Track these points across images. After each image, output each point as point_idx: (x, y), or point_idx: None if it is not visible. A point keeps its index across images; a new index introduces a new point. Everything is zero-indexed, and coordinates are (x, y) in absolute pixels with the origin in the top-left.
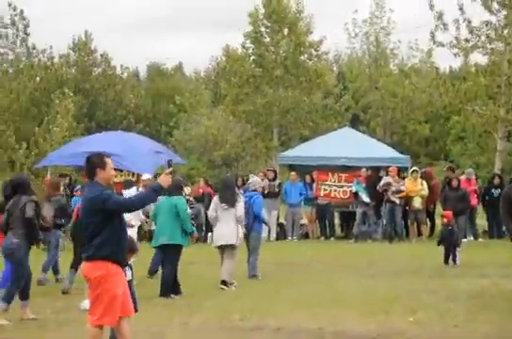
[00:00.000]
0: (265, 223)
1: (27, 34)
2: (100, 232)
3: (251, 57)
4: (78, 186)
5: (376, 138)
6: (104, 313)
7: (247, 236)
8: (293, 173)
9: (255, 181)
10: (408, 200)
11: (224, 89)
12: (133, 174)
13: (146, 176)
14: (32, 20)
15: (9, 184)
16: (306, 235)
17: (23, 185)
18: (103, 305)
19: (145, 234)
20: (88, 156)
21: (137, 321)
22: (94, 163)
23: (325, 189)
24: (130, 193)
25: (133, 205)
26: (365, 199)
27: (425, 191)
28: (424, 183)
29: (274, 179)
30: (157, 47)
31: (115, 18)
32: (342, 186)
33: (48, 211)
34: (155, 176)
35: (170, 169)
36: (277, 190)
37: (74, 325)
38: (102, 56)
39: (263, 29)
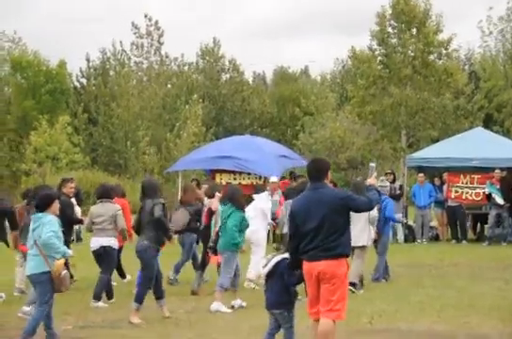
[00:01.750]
0: (401, 223)
1: (161, 43)
2: (343, 230)
3: (378, 58)
4: None
5: (511, 139)
6: (344, 308)
7: (376, 240)
8: (420, 175)
9: (385, 184)
10: None
11: (350, 91)
12: (260, 177)
13: (273, 179)
14: (166, 29)
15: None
16: (436, 238)
17: (150, 189)
18: (345, 301)
19: (277, 237)
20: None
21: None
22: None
23: (456, 191)
24: (261, 197)
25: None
26: (499, 200)
27: None
28: None
29: (393, 181)
30: (283, 52)
31: (241, 24)
32: (474, 188)
33: (182, 215)
34: (281, 179)
35: (374, 173)
36: (398, 192)
37: (204, 325)
38: (230, 62)
39: (390, 30)
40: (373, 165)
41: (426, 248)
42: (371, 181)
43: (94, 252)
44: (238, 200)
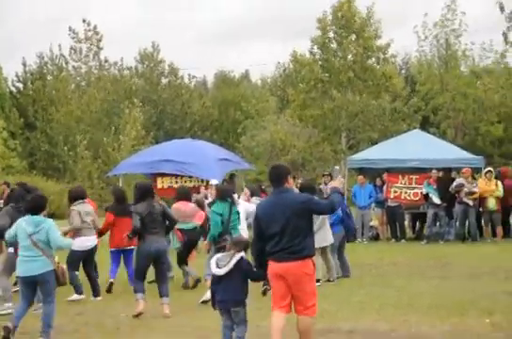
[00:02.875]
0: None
1: (100, 48)
2: (307, 232)
3: (319, 62)
4: None
5: (446, 140)
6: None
7: None
8: (360, 177)
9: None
10: (481, 201)
11: (291, 95)
12: (202, 180)
13: (214, 182)
14: (104, 34)
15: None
16: (376, 237)
17: (149, 192)
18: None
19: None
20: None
21: None
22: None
23: (395, 191)
24: (255, 201)
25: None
26: (436, 200)
27: (500, 192)
28: (499, 183)
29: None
30: (224, 56)
31: (183, 29)
32: (413, 188)
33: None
34: (223, 182)
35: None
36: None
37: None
38: (169, 66)
39: (331, 35)
40: (337, 168)
41: (366, 247)
42: (335, 183)
43: (86, 251)
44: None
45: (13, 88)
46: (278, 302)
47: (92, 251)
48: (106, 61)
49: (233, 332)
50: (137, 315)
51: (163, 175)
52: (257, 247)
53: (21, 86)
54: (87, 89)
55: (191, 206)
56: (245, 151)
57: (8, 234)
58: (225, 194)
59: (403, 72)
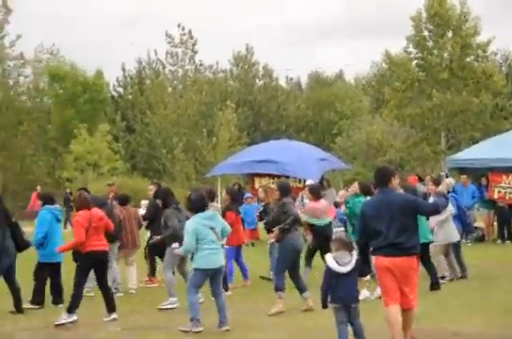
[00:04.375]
0: None
1: (195, 52)
2: (412, 230)
3: (414, 61)
4: (247, 194)
5: None
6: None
7: None
8: (463, 176)
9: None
10: None
11: (387, 94)
12: (299, 180)
13: (309, 182)
14: (199, 38)
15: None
16: (481, 239)
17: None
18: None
19: None
20: (380, 167)
21: None
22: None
23: (499, 192)
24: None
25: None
26: None
27: None
28: None
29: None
30: (318, 56)
31: (276, 30)
32: None
33: None
34: (321, 182)
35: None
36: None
37: (246, 328)
38: (263, 68)
39: (426, 33)
40: (442, 174)
41: (471, 248)
42: (441, 188)
43: None
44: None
45: (114, 93)
46: (391, 295)
47: None
48: (201, 65)
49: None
50: (275, 314)
51: (260, 175)
52: (362, 242)
53: (121, 90)
54: (183, 93)
55: (323, 203)
56: (341, 151)
57: (189, 233)
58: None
59: (503, 68)
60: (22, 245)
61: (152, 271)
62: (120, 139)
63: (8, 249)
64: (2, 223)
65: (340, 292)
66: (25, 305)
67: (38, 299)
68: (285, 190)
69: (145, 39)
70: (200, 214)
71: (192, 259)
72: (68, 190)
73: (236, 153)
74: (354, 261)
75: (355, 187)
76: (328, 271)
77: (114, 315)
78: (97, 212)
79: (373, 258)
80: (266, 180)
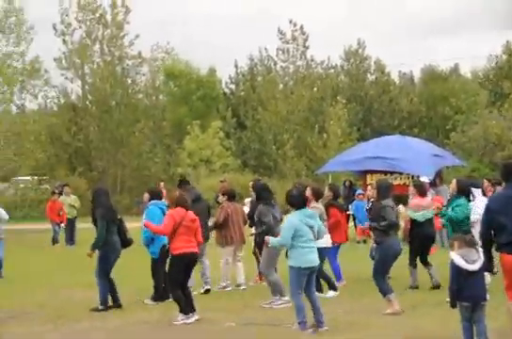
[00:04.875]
0: None
1: (307, 47)
2: None
3: None
4: (359, 191)
5: None
6: None
7: None
8: None
9: None
10: None
11: (507, 88)
12: (412, 177)
13: (424, 179)
14: (310, 33)
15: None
16: None
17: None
18: None
19: None
20: (505, 163)
21: None
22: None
23: None
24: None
25: None
26: None
27: None
28: None
29: None
30: (431, 51)
31: (388, 24)
32: None
33: None
34: (435, 179)
35: None
36: None
37: (359, 327)
38: (375, 63)
39: None
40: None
41: None
42: None
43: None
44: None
45: (227, 90)
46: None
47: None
48: (313, 60)
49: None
50: (392, 314)
51: (372, 172)
52: (486, 238)
53: (233, 87)
54: (294, 89)
55: (427, 200)
56: (455, 147)
57: (288, 228)
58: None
59: None
60: (125, 241)
61: None
62: (231, 136)
63: (115, 244)
64: (109, 219)
65: (469, 290)
66: (146, 301)
67: (157, 296)
68: (384, 190)
69: (257, 35)
70: (302, 210)
71: (287, 257)
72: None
73: (347, 149)
74: (482, 258)
75: (452, 187)
76: (456, 270)
77: (196, 316)
78: (192, 213)
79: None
80: (378, 176)
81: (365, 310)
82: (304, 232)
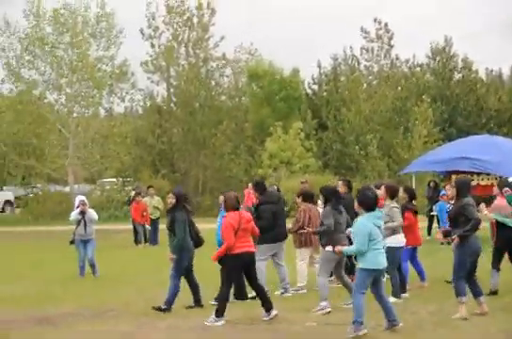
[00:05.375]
0: None
1: (391, 46)
2: None
3: None
4: (443, 192)
5: None
6: None
7: None
8: None
9: None
10: None
11: None
12: (500, 178)
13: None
14: (396, 32)
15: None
16: None
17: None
18: None
19: None
20: None
21: None
22: None
23: None
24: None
25: None
26: None
27: None
28: None
29: None
30: None
31: (479, 21)
32: None
33: None
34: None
35: None
36: None
37: (448, 327)
38: (462, 60)
39: None
40: None
41: None
42: None
43: (402, 248)
44: None
45: (309, 91)
46: None
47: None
48: (397, 59)
49: None
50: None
51: (458, 173)
52: None
53: (316, 88)
54: (377, 88)
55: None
56: None
57: (364, 233)
58: None
59: None
60: (197, 242)
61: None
62: (312, 137)
63: (189, 245)
64: (185, 220)
65: None
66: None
67: (239, 295)
68: (463, 188)
69: (340, 35)
70: (373, 213)
71: (356, 259)
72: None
73: (431, 149)
74: None
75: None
76: None
77: (274, 312)
78: (246, 214)
79: None
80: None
81: (449, 312)
82: (375, 234)
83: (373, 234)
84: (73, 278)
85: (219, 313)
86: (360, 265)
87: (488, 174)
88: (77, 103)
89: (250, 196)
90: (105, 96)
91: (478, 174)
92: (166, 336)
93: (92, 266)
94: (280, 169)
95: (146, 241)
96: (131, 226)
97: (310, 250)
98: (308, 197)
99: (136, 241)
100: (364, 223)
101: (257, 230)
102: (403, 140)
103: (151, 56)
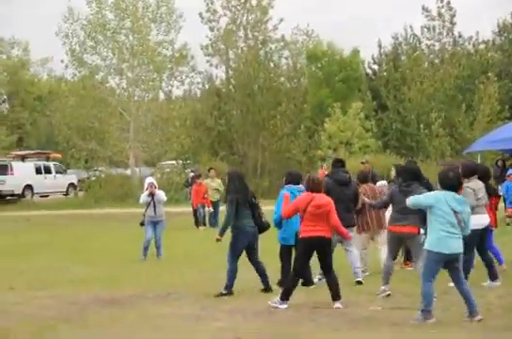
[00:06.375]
0: None
1: (453, 24)
2: None
3: None
4: (510, 171)
5: None
6: None
7: None
8: None
9: None
10: None
11: None
12: None
13: None
14: (459, 8)
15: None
16: None
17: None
18: None
19: None
20: None
21: None
22: None
23: None
24: None
25: None
26: None
27: None
28: None
29: None
30: None
31: None
32: None
33: None
34: None
35: None
36: None
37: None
38: None
39: None
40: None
41: None
42: None
43: (482, 229)
44: None
45: (369, 71)
46: None
47: (486, 230)
48: (460, 36)
49: None
50: None
51: None
52: None
53: (376, 67)
54: (440, 67)
55: None
56: None
57: (426, 197)
58: None
59: None
60: (261, 225)
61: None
62: (371, 117)
63: (246, 228)
64: (240, 203)
65: None
66: (274, 287)
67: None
68: None
69: (401, 14)
70: (449, 192)
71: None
72: None
73: (496, 128)
74: None
75: None
76: None
77: (337, 304)
78: (321, 198)
79: None
80: None
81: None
82: (445, 213)
83: (439, 211)
84: (137, 260)
85: (284, 296)
86: (425, 246)
87: None
88: (138, 86)
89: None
90: (165, 79)
91: None
92: (230, 319)
93: (158, 247)
94: (340, 149)
95: (205, 224)
96: (191, 209)
97: (367, 236)
98: (363, 178)
99: (197, 223)
100: (435, 193)
101: (335, 221)
102: (465, 119)
103: (210, 39)
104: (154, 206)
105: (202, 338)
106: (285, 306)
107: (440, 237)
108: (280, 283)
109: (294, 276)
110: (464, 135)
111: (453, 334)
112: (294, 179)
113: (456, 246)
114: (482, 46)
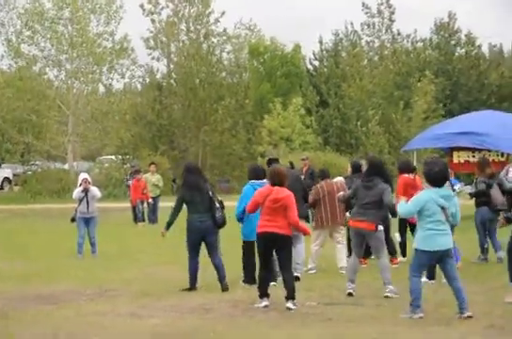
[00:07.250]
0: None
1: (392, 21)
2: None
3: None
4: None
5: None
6: None
7: None
8: None
9: None
10: None
11: None
12: (502, 154)
13: None
14: (398, 6)
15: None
16: None
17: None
18: None
19: None
20: None
21: None
22: None
23: None
24: None
25: None
26: None
27: None
28: None
29: None
30: None
31: None
32: None
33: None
34: None
35: None
36: None
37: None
38: (466, 36)
39: None
40: None
41: None
42: None
43: None
44: None
45: (310, 67)
46: None
47: None
48: (399, 34)
49: None
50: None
51: (459, 149)
52: None
53: (317, 63)
54: (378, 63)
55: None
56: None
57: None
58: None
59: None
60: (216, 222)
61: (392, 251)
62: (312, 113)
63: (194, 223)
64: (185, 197)
65: None
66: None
67: (248, 279)
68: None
69: (342, 11)
70: (435, 189)
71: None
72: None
73: (431, 125)
74: None
75: None
76: None
77: (289, 304)
78: (278, 193)
79: None
80: (465, 153)
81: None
82: (432, 211)
83: (426, 211)
84: (72, 256)
85: (260, 293)
86: (414, 245)
87: (490, 150)
88: (77, 79)
89: None
90: (105, 72)
91: (480, 150)
92: (167, 316)
93: (92, 244)
94: (280, 145)
95: (144, 220)
96: (129, 204)
97: (321, 232)
98: (325, 174)
99: (136, 220)
100: (421, 196)
101: (293, 218)
102: (402, 116)
103: (151, 31)
104: (87, 202)
105: (138, 334)
106: (265, 303)
107: (427, 235)
108: (244, 281)
109: (260, 271)
110: (401, 132)
111: (386, 328)
112: (256, 174)
113: (444, 242)
114: (420, 44)
